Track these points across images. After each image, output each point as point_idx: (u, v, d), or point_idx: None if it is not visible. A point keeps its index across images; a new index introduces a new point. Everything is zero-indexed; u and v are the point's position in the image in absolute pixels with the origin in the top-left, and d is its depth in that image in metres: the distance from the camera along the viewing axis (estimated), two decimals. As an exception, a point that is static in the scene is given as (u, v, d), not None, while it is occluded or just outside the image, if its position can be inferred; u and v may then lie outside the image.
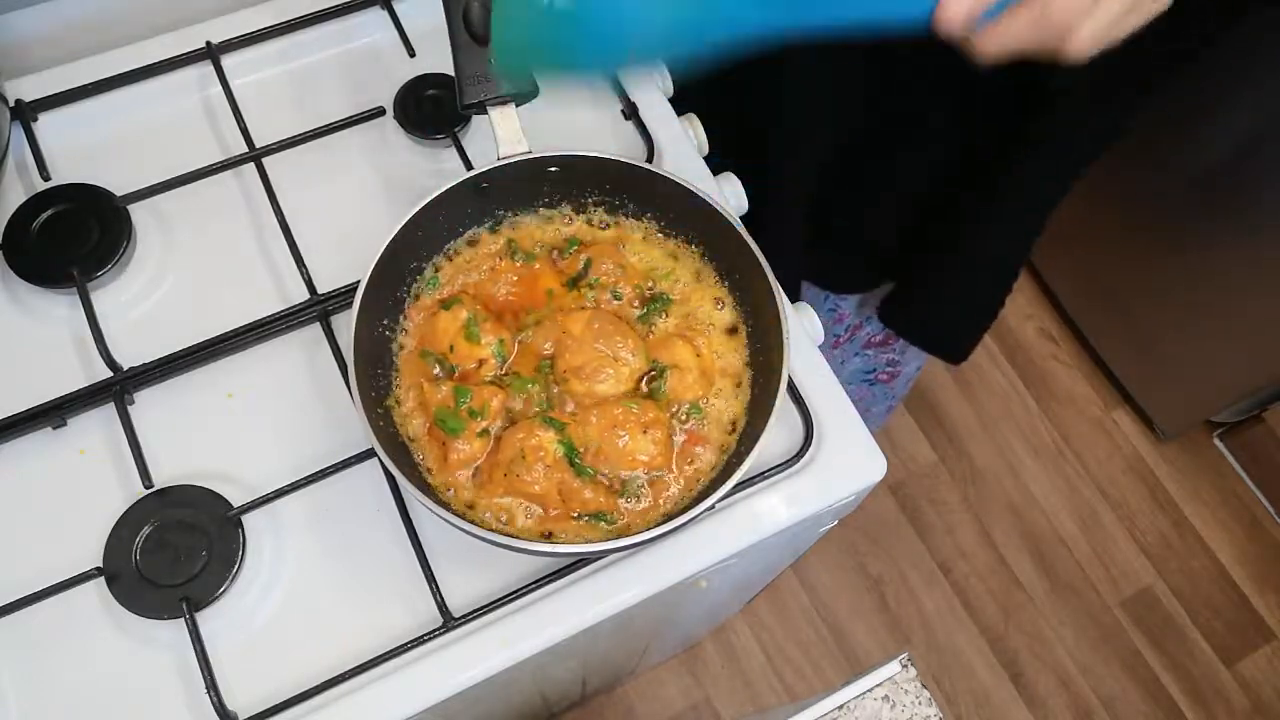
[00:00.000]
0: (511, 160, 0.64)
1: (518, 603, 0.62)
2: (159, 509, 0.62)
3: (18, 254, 0.69)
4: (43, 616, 0.60)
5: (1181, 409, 1.81)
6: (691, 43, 0.51)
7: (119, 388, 0.66)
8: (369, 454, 0.64)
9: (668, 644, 1.33)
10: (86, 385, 0.66)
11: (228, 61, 0.78)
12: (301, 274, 0.70)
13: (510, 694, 0.83)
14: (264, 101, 0.78)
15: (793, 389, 0.68)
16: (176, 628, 0.60)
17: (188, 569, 0.61)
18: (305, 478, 0.64)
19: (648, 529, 0.56)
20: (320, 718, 0.58)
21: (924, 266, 0.93)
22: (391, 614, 0.62)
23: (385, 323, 0.64)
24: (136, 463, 0.63)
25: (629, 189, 0.67)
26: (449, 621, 0.60)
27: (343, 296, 0.69)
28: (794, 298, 1.09)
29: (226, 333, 0.68)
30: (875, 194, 0.91)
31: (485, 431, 0.61)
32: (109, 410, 0.66)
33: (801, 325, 0.72)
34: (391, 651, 0.60)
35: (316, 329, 0.70)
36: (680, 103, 0.80)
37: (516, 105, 0.65)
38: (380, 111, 0.77)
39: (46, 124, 0.75)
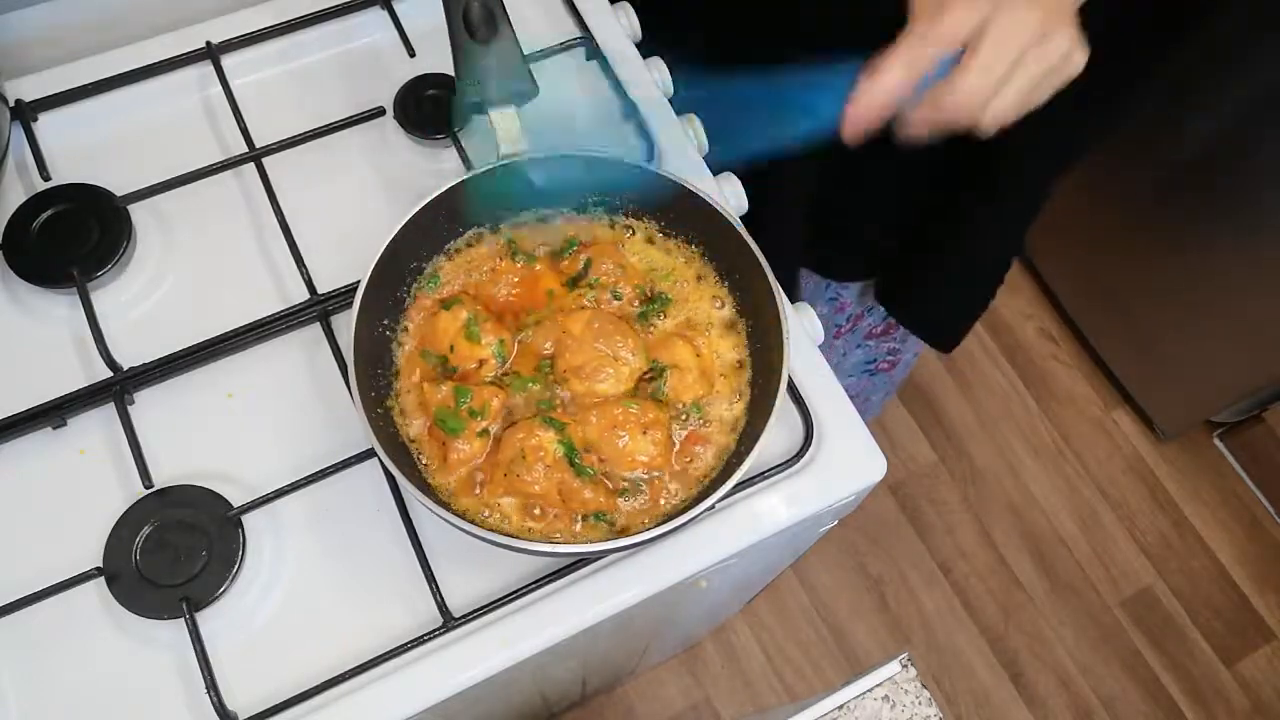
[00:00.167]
0: (511, 160, 0.64)
1: (518, 603, 0.62)
2: (159, 509, 0.62)
3: (18, 254, 0.69)
4: (43, 616, 0.60)
5: (1181, 409, 1.81)
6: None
7: (119, 388, 0.66)
8: (369, 454, 0.64)
9: (668, 644, 1.33)
10: (86, 385, 0.66)
11: (228, 61, 0.78)
12: (301, 274, 0.70)
13: (510, 694, 0.83)
14: (264, 101, 0.78)
15: (793, 389, 0.68)
16: (176, 628, 0.59)
17: (188, 569, 0.61)
18: (305, 478, 0.64)
19: (648, 529, 0.56)
20: (320, 718, 0.58)
21: (923, 262, 0.94)
22: (391, 614, 0.62)
23: (385, 323, 0.64)
24: (136, 463, 0.63)
25: (629, 189, 0.67)
26: (449, 621, 0.60)
27: (343, 296, 0.69)
28: (793, 296, 1.10)
29: (226, 333, 0.68)
30: (873, 193, 0.91)
31: (485, 431, 0.61)
32: (109, 410, 0.66)
33: (801, 325, 0.72)
34: (391, 651, 0.60)
35: (316, 329, 0.70)
36: (680, 102, 0.80)
37: (516, 105, 0.65)
38: (380, 111, 0.77)
39: (46, 124, 0.75)
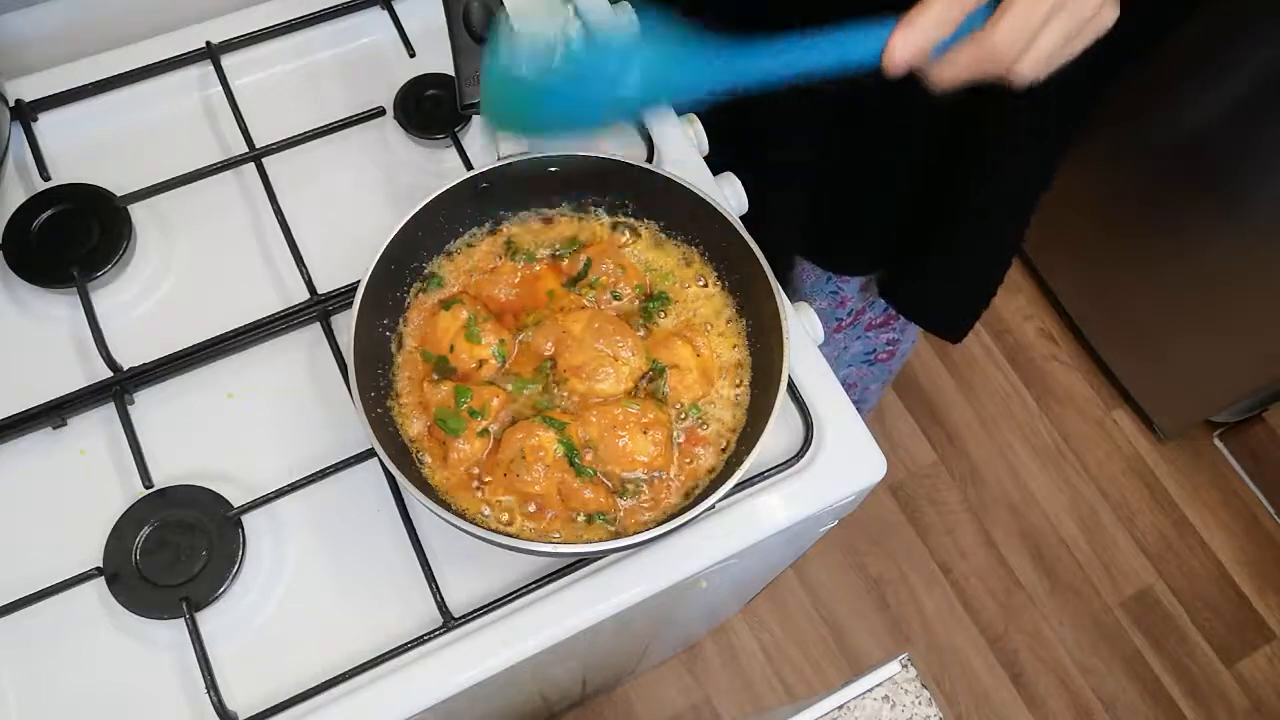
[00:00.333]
0: (511, 160, 0.64)
1: (518, 603, 0.62)
2: (159, 509, 0.62)
3: (18, 254, 0.69)
4: (43, 616, 0.60)
5: (1181, 409, 1.81)
6: (661, 102, 0.54)
7: (119, 388, 0.66)
8: (369, 454, 0.64)
9: (668, 644, 1.33)
10: (86, 385, 0.66)
11: (228, 61, 0.78)
12: (301, 274, 0.70)
13: (510, 694, 0.83)
14: (264, 101, 0.78)
15: (793, 389, 0.68)
16: (176, 628, 0.59)
17: (188, 569, 0.61)
18: (305, 478, 0.64)
19: (648, 529, 0.56)
20: (320, 718, 0.58)
21: (926, 254, 0.94)
22: (391, 614, 0.62)
23: (385, 323, 0.64)
24: (136, 463, 0.63)
25: (629, 189, 0.67)
26: (449, 621, 0.60)
27: (343, 296, 0.69)
28: (791, 287, 1.10)
29: (226, 333, 0.68)
30: (874, 184, 0.91)
31: (485, 431, 0.61)
32: (109, 410, 0.66)
33: (801, 325, 0.72)
34: (391, 651, 0.60)
35: (316, 329, 0.70)
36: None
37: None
38: (380, 111, 0.77)
39: (46, 124, 0.75)
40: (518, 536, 0.58)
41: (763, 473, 0.66)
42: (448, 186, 0.63)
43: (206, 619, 0.60)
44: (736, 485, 0.58)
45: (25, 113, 0.74)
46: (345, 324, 0.60)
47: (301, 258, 0.70)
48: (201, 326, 0.68)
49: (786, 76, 0.53)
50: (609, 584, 0.63)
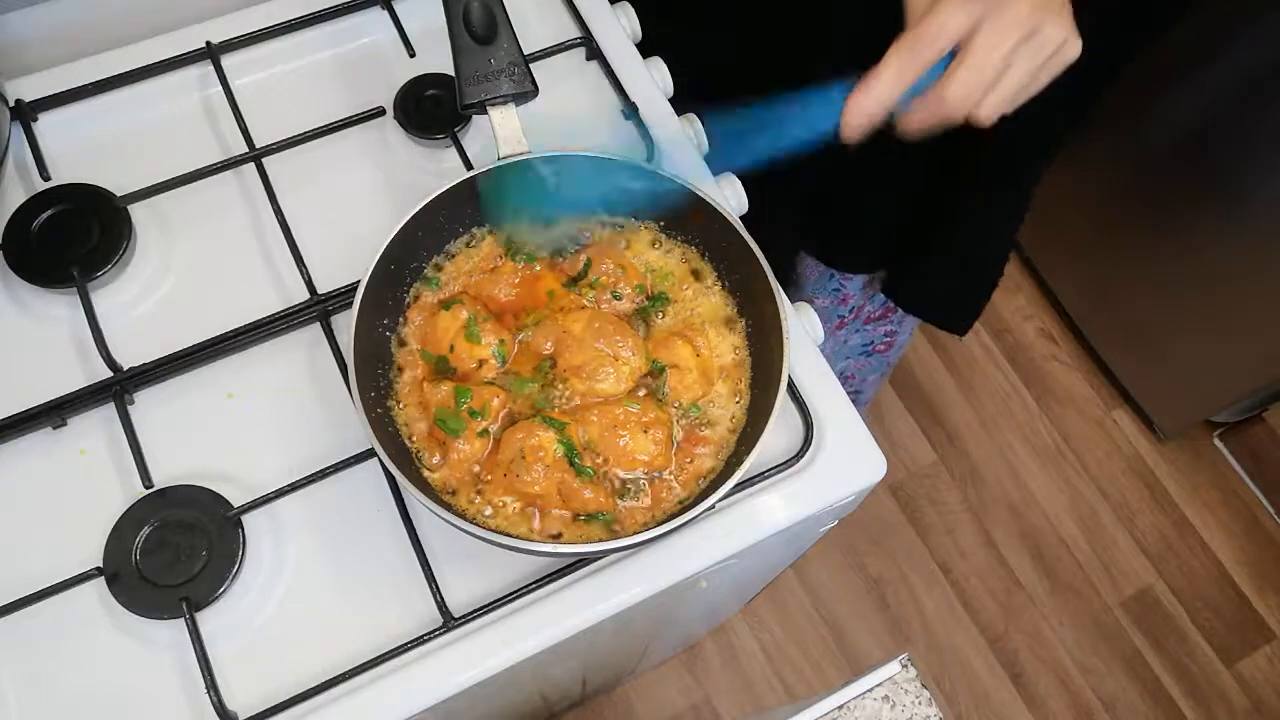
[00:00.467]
0: (511, 160, 0.64)
1: (518, 603, 0.62)
2: (159, 509, 0.62)
3: (18, 254, 0.69)
4: (43, 616, 0.60)
5: (1181, 409, 1.81)
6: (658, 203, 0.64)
7: (119, 388, 0.66)
8: (369, 454, 0.64)
9: (668, 644, 1.33)
10: (86, 385, 0.66)
11: (228, 61, 0.78)
12: (301, 274, 0.70)
13: (510, 694, 0.83)
14: (264, 101, 0.78)
15: (793, 389, 0.68)
16: (176, 628, 0.59)
17: (188, 569, 0.61)
18: (305, 478, 0.64)
19: (648, 529, 0.56)
20: (320, 718, 0.58)
21: (927, 250, 0.94)
22: (391, 614, 0.62)
23: (385, 323, 0.64)
24: (136, 463, 0.63)
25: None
26: (449, 621, 0.60)
27: (343, 296, 0.69)
28: (792, 284, 1.10)
29: (226, 333, 0.68)
30: (873, 183, 0.91)
31: (485, 431, 0.61)
32: (109, 410, 0.66)
33: (801, 325, 0.72)
34: (391, 651, 0.60)
35: (316, 329, 0.70)
36: (680, 102, 0.80)
37: (516, 105, 0.65)
38: (380, 111, 0.77)
39: (46, 124, 0.75)
40: (518, 536, 0.58)
41: (763, 473, 0.66)
42: (448, 186, 0.63)
43: (206, 619, 0.60)
44: (736, 485, 0.58)
45: (25, 113, 0.74)
46: (345, 324, 0.60)
47: (301, 258, 0.70)
48: (201, 326, 0.68)
49: (765, 157, 0.58)
50: (609, 584, 0.63)
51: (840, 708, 0.62)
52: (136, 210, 0.72)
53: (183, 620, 0.59)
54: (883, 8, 0.55)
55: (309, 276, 0.70)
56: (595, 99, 0.80)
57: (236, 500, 0.63)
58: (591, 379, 0.62)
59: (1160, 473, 1.86)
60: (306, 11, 0.80)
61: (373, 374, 0.61)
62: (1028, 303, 1.98)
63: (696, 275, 0.68)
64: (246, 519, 0.63)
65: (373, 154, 0.77)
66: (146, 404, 0.67)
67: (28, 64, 0.77)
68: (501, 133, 0.65)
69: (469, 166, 0.74)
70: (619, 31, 0.82)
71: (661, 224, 0.69)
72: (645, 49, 0.82)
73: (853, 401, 0.71)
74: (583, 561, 0.63)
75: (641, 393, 0.63)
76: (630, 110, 0.78)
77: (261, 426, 0.67)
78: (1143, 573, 1.79)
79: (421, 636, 0.60)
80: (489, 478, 0.60)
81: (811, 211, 0.91)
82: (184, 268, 0.72)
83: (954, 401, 1.90)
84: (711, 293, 0.67)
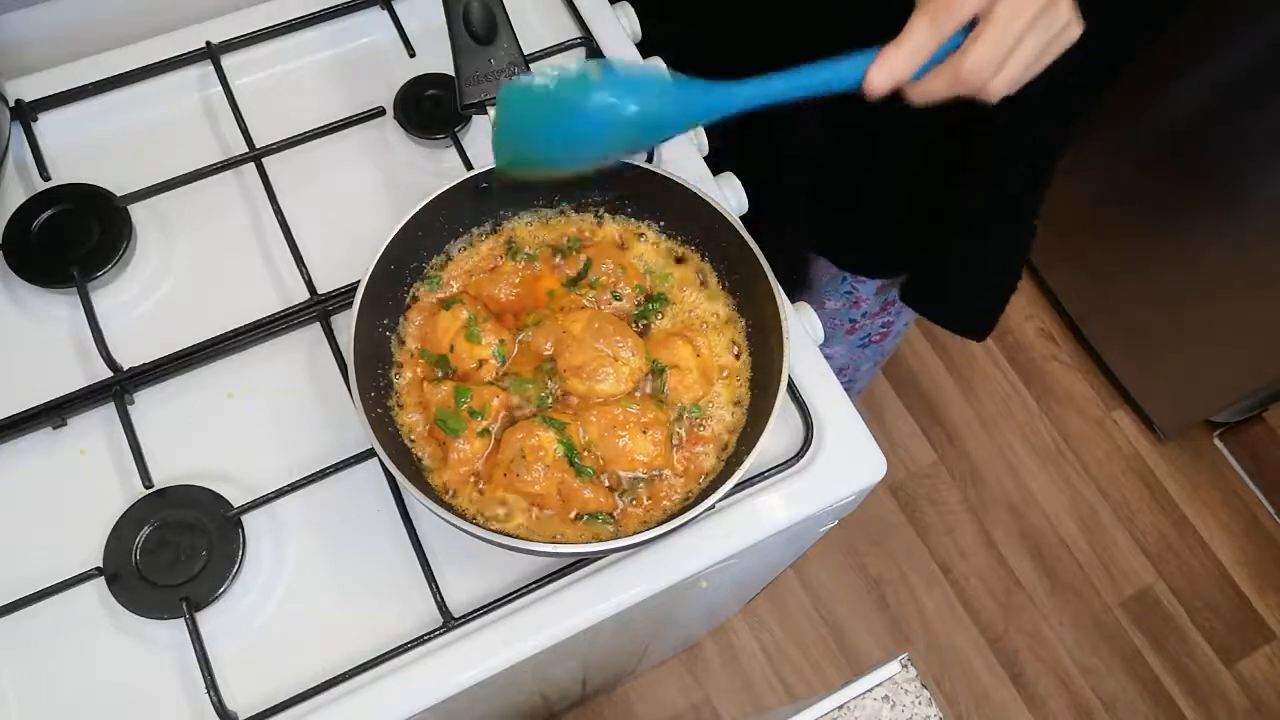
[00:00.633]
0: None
1: (518, 603, 0.62)
2: (159, 509, 0.62)
3: (18, 254, 0.69)
4: (43, 616, 0.60)
5: (1181, 409, 1.81)
6: (664, 135, 0.60)
7: (119, 388, 0.66)
8: (369, 454, 0.64)
9: (668, 644, 1.33)
10: (86, 385, 0.66)
11: (228, 61, 0.78)
12: (301, 274, 0.70)
13: (510, 694, 0.83)
14: (264, 101, 0.78)
15: (793, 389, 0.68)
16: (176, 628, 0.59)
17: (188, 569, 0.61)
18: (305, 478, 0.64)
19: (648, 529, 0.56)
20: (320, 718, 0.58)
21: (941, 250, 0.94)
22: (391, 614, 0.62)
23: (385, 323, 0.64)
24: (136, 463, 0.63)
25: (629, 189, 0.67)
26: (449, 621, 0.60)
27: (343, 296, 0.69)
28: (803, 285, 1.10)
29: (226, 333, 0.68)
30: (879, 182, 0.91)
31: (485, 431, 0.61)
32: (109, 410, 0.66)
33: (801, 325, 0.72)
34: (391, 651, 0.60)
35: (316, 329, 0.70)
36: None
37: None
38: (380, 111, 0.77)
39: (46, 124, 0.75)
40: (518, 536, 0.58)
41: (763, 473, 0.66)
42: (448, 186, 0.63)
43: (206, 619, 0.60)
44: (736, 485, 0.58)
45: (25, 113, 0.74)
46: (345, 324, 0.60)
47: (301, 258, 0.70)
48: (201, 326, 0.68)
49: (783, 98, 0.56)
50: (609, 584, 0.63)
51: (840, 708, 0.62)
52: (136, 210, 0.72)
53: (183, 620, 0.59)
54: (883, 8, 0.55)
55: (309, 276, 0.70)
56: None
57: (236, 500, 0.63)
58: (591, 379, 0.62)
59: (1160, 473, 1.86)
60: (306, 11, 0.80)
61: (373, 374, 0.61)
62: (1028, 303, 1.98)
63: (697, 275, 0.68)
64: (246, 519, 0.63)
65: (373, 154, 0.77)
66: (146, 404, 0.67)
67: (28, 64, 0.77)
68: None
69: (469, 166, 0.74)
70: (619, 31, 0.82)
71: (662, 224, 0.69)
72: (645, 49, 0.82)
73: (845, 391, 0.71)
74: (583, 561, 0.63)
75: (642, 392, 0.63)
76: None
77: (261, 426, 0.67)
78: (1143, 573, 1.79)
79: (421, 636, 0.60)
80: (489, 478, 0.60)
81: (817, 208, 0.91)
82: (184, 268, 0.72)
83: (954, 401, 1.90)
84: (711, 293, 0.67)
